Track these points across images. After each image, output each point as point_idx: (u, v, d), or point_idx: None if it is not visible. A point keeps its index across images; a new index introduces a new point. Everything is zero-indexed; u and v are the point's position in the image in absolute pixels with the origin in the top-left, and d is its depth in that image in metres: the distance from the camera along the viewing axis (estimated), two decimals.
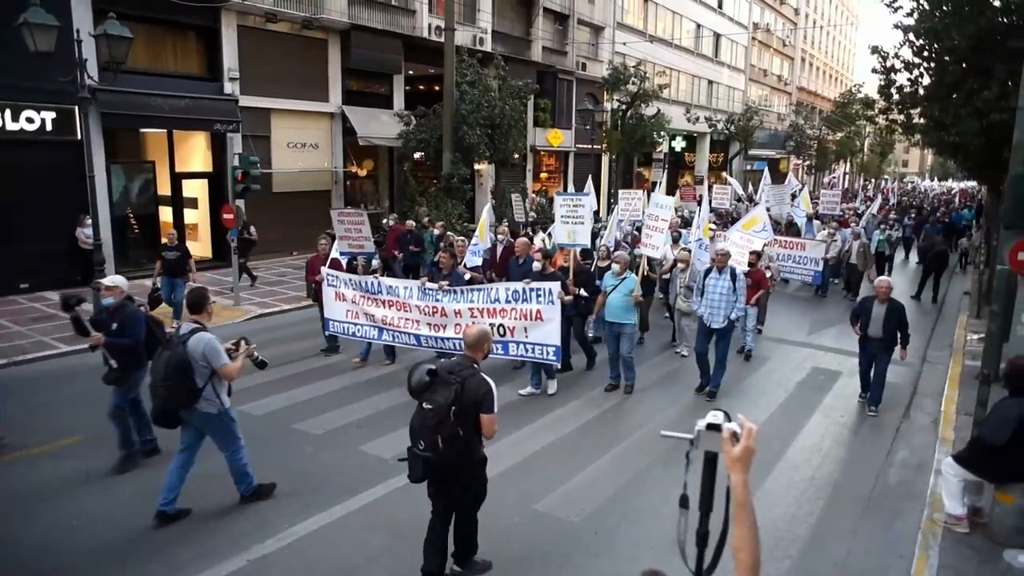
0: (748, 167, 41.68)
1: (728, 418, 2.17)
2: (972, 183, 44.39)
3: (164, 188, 16.65)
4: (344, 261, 10.28)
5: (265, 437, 7.22)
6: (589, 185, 14.08)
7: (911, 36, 12.64)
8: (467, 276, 9.88)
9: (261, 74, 17.24)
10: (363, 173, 21.57)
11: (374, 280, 9.37)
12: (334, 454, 6.87)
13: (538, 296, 8.19)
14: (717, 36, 42.93)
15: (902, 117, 14.64)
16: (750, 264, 10.89)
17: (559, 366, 8.55)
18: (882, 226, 18.38)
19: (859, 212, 23.62)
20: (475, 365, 4.44)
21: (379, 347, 9.84)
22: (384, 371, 9.54)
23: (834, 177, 47.49)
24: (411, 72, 22.04)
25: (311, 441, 7.16)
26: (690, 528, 2.20)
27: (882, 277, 8.95)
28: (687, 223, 15.75)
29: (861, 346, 8.62)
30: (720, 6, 43.07)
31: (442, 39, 18.56)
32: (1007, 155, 7.87)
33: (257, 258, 16.16)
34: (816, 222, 18.43)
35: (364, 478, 6.36)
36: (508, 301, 8.38)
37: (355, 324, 9.53)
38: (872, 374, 8.50)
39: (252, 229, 15.05)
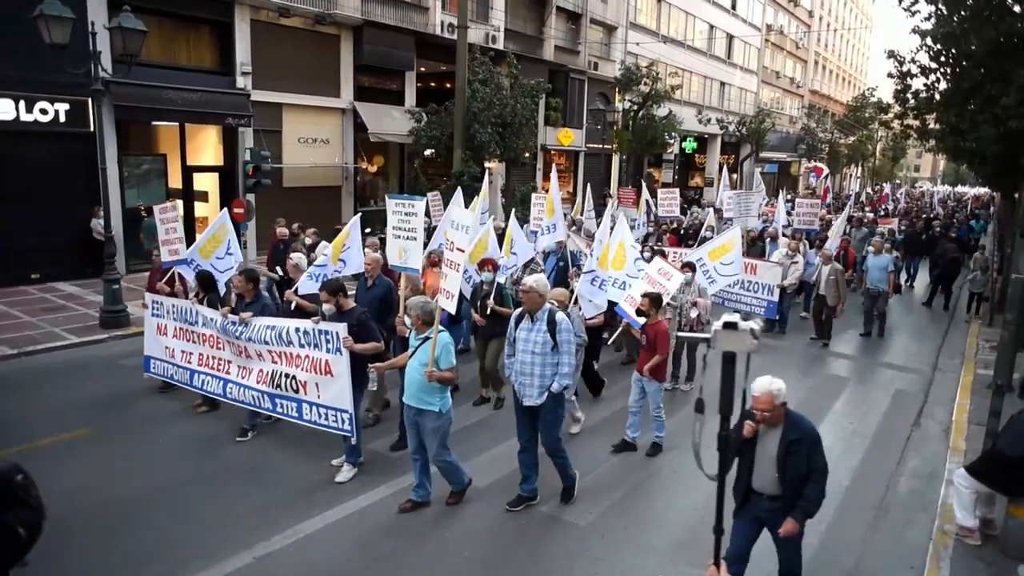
0: (760, 169, 41.48)
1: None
2: (984, 189, 43.97)
3: (175, 181, 16.69)
4: (189, 275, 8.23)
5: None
6: (459, 197, 9.47)
7: (928, 41, 12.55)
8: (292, 306, 7.47)
9: (273, 69, 17.26)
10: (373, 169, 21.58)
11: (191, 307, 7.54)
12: (338, 452, 6.86)
13: (327, 341, 6.20)
14: (730, 37, 42.72)
15: (917, 123, 14.52)
16: (640, 311, 7.06)
17: (355, 440, 6.33)
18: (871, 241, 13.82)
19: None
20: None
21: None
22: None
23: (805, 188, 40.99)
24: (423, 69, 22.02)
25: (316, 439, 7.14)
26: (706, 432, 2.23)
27: (760, 380, 4.09)
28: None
29: (738, 506, 4.40)
30: (733, 7, 42.83)
31: (455, 36, 18.52)
32: None
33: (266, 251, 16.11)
34: (783, 239, 13.78)
35: (368, 477, 6.36)
36: (301, 345, 6.39)
37: (173, 365, 7.70)
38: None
39: None
